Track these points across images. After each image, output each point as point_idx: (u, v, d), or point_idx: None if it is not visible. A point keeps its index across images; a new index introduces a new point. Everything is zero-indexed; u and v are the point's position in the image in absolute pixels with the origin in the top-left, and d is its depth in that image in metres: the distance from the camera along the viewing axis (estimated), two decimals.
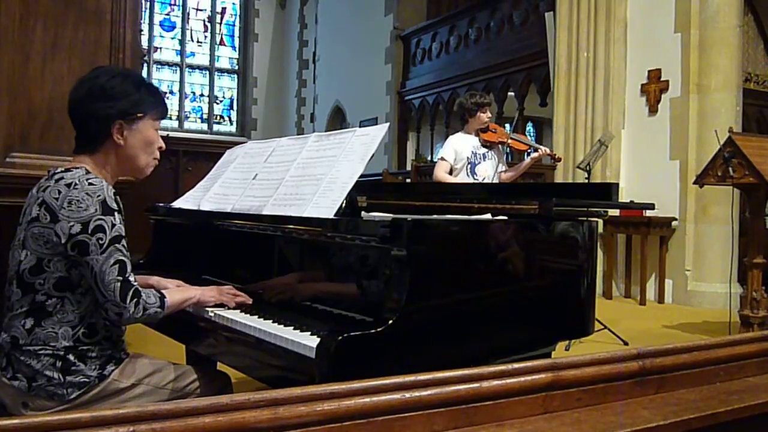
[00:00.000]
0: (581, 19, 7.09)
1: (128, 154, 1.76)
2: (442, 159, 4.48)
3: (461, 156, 4.42)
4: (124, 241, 1.64)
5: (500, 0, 9.37)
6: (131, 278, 1.62)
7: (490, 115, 4.51)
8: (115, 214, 1.64)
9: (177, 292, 1.79)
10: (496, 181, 4.42)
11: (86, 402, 1.64)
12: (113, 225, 1.63)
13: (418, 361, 1.53)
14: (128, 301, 1.59)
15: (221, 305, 1.86)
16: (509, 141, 4.48)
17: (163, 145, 1.84)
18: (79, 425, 0.75)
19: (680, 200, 6.35)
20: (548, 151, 4.65)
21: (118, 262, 1.60)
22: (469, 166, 4.41)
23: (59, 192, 1.62)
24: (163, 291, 1.72)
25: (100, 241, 1.60)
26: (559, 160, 4.94)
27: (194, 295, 1.82)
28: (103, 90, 1.71)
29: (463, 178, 4.41)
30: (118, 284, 1.59)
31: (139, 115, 1.74)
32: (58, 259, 1.62)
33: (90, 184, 1.64)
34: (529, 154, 4.73)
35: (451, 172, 4.47)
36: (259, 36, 16.62)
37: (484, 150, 4.46)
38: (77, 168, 1.69)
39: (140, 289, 1.63)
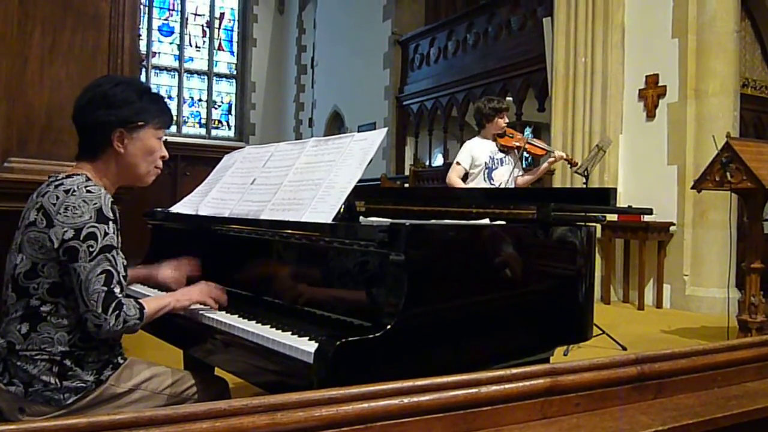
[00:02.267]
0: (579, 24, 7.11)
1: (128, 162, 1.76)
2: (458, 164, 4.49)
3: (479, 161, 4.44)
4: (114, 252, 1.63)
5: (498, 5, 9.39)
6: (116, 290, 1.60)
7: (507, 120, 4.53)
8: (110, 223, 1.63)
9: (153, 301, 1.75)
10: (512, 185, 4.43)
11: (83, 407, 1.64)
12: (106, 234, 1.61)
13: (416, 367, 1.53)
14: (109, 313, 1.57)
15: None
16: (527, 146, 4.50)
17: (166, 154, 1.84)
18: (76, 431, 0.75)
19: (678, 205, 6.36)
20: (564, 155, 4.69)
21: (104, 272, 1.59)
22: (486, 171, 4.43)
23: (57, 198, 1.62)
24: (141, 300, 1.69)
25: (90, 249, 1.59)
26: (576, 164, 4.99)
27: (168, 302, 1.79)
28: (105, 98, 1.72)
29: (479, 182, 4.43)
30: (102, 294, 1.57)
31: (140, 123, 1.74)
32: (51, 264, 1.62)
33: (88, 191, 1.64)
34: (545, 159, 4.75)
35: (466, 178, 4.48)
36: (257, 41, 16.65)
37: (501, 155, 4.49)
38: (78, 175, 1.69)
39: (123, 301, 1.60)
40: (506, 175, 4.45)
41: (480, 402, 0.95)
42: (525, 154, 4.65)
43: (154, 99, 1.81)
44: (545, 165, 4.72)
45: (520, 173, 4.62)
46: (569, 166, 4.98)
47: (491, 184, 4.42)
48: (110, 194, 1.70)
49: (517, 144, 4.50)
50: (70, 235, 1.59)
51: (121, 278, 1.65)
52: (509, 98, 9.13)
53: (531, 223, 1.93)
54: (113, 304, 1.58)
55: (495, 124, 4.48)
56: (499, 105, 4.52)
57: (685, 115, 6.28)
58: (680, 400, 1.11)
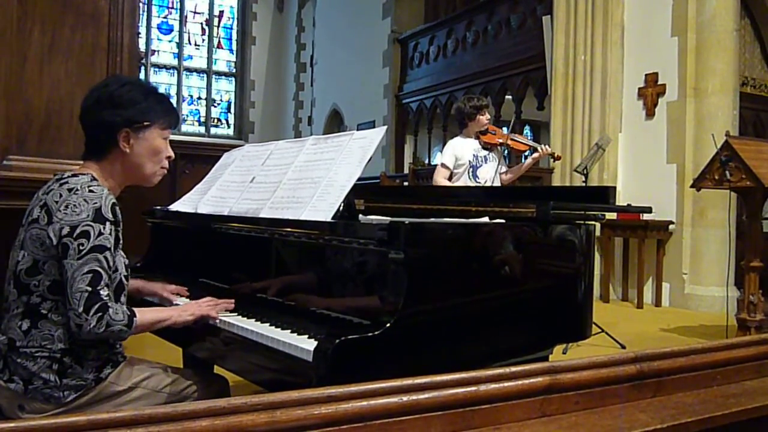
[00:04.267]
0: (578, 22, 7.11)
1: (134, 163, 1.76)
2: (443, 165, 4.48)
3: (462, 160, 4.42)
4: (107, 253, 1.61)
5: (498, 4, 9.38)
6: (102, 291, 1.57)
7: (488, 117, 4.52)
8: (107, 223, 1.62)
9: (150, 312, 1.74)
10: (497, 182, 4.43)
11: (83, 405, 1.64)
12: (100, 234, 1.60)
13: (415, 365, 1.54)
14: (90, 314, 1.54)
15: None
16: (509, 142, 4.49)
17: (172, 155, 1.84)
18: (76, 428, 0.75)
19: (677, 204, 6.36)
20: (548, 149, 4.66)
21: (92, 272, 1.57)
22: (470, 169, 4.42)
23: (60, 196, 1.63)
24: (136, 309, 1.66)
25: (81, 247, 1.58)
26: (559, 158, 4.96)
27: (169, 316, 1.76)
28: (111, 98, 1.72)
29: (464, 181, 4.42)
30: (85, 294, 1.55)
31: (146, 123, 1.75)
32: (52, 261, 1.62)
33: (90, 191, 1.64)
34: (528, 155, 4.74)
35: (450, 178, 4.47)
36: (256, 39, 16.62)
37: (485, 152, 4.48)
38: (84, 174, 1.70)
39: (109, 304, 1.57)
40: (491, 173, 4.43)
41: (479, 400, 0.95)
42: (512, 150, 4.63)
43: (159, 99, 1.82)
44: (529, 161, 4.67)
45: (505, 170, 4.60)
46: (552, 160, 4.93)
47: (476, 182, 4.41)
48: (115, 195, 1.71)
49: (500, 140, 4.49)
50: (66, 231, 1.59)
51: (121, 278, 1.65)
52: (508, 96, 9.14)
53: (530, 222, 1.93)
54: (96, 306, 1.55)
55: (477, 121, 4.46)
56: (479, 102, 4.50)
57: (685, 114, 6.28)
58: (679, 399, 1.11)
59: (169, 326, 1.76)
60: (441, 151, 4.82)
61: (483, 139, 4.47)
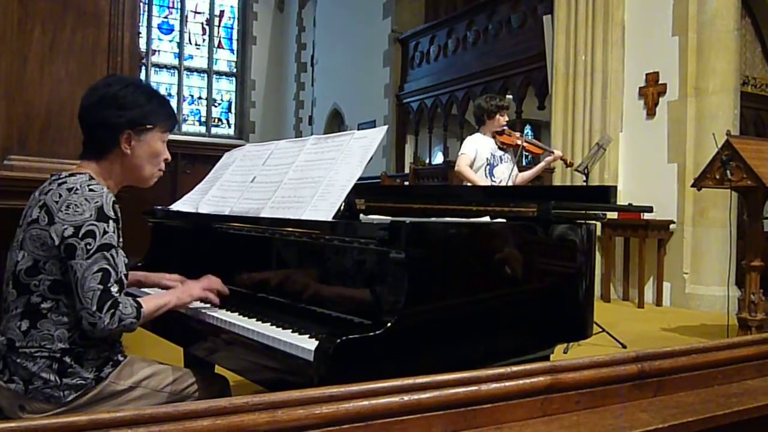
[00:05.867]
0: (579, 22, 7.10)
1: (134, 164, 1.77)
2: (463, 154, 4.52)
3: (481, 156, 4.47)
4: (113, 251, 1.63)
5: (498, 3, 9.38)
6: (113, 288, 1.60)
7: (507, 118, 4.56)
8: (110, 222, 1.64)
9: (152, 300, 1.75)
10: (511, 183, 4.46)
11: (83, 404, 1.64)
12: (105, 232, 1.62)
13: (416, 364, 1.53)
14: (104, 311, 1.56)
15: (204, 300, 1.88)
16: (525, 144, 4.53)
17: (169, 157, 1.86)
18: (77, 428, 0.75)
19: (678, 203, 6.36)
20: (560, 154, 4.73)
21: (101, 270, 1.59)
22: (488, 167, 4.47)
23: (60, 195, 1.63)
24: (139, 299, 1.69)
25: (88, 246, 1.59)
26: (572, 164, 5.02)
27: (169, 300, 1.78)
28: (115, 99, 1.73)
29: (481, 178, 4.45)
30: (98, 292, 1.57)
31: (148, 126, 1.76)
32: (53, 261, 1.62)
33: (90, 190, 1.65)
34: (543, 157, 4.78)
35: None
36: (257, 39, 16.64)
37: (501, 152, 4.53)
38: (81, 173, 1.70)
39: (119, 300, 1.60)
40: (506, 173, 4.48)
41: (480, 400, 0.95)
42: (524, 152, 4.68)
43: (161, 102, 1.83)
44: (543, 163, 4.76)
45: (518, 171, 4.64)
46: (565, 165, 5.02)
47: (492, 180, 4.45)
48: (113, 194, 1.71)
49: (517, 142, 4.53)
50: (70, 232, 1.59)
51: (122, 276, 1.65)
52: (509, 96, 9.14)
53: (531, 221, 1.93)
54: (108, 303, 1.58)
55: (496, 121, 4.52)
56: (501, 102, 4.57)
57: (686, 113, 6.28)
58: (680, 398, 1.11)
59: (171, 309, 1.78)
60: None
61: (499, 139, 4.53)
